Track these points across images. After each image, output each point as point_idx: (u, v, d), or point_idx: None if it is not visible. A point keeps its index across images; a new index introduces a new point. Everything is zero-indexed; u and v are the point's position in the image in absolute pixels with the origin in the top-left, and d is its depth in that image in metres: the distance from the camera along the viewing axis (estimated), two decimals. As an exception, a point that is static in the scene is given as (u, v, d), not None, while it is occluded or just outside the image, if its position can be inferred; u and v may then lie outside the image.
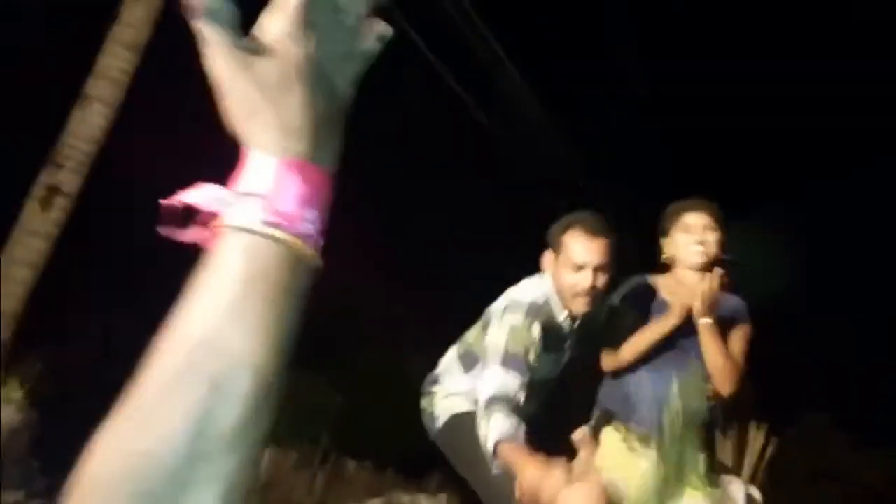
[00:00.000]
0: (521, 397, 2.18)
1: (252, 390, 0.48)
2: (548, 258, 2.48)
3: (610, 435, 2.49)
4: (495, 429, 2.06)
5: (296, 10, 0.53)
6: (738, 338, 2.52)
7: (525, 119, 7.78)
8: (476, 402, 2.31)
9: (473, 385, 2.44)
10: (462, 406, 2.54)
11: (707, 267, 2.54)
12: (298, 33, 0.54)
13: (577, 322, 2.53)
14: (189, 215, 0.52)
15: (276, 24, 0.54)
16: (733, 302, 2.60)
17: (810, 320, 20.69)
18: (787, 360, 18.11)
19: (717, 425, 2.48)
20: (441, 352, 2.85)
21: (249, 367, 0.48)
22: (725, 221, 2.61)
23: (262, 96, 0.52)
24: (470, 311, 2.74)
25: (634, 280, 2.68)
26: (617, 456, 2.41)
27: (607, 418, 2.52)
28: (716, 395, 2.43)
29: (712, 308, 2.41)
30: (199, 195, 0.52)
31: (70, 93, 5.90)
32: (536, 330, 2.32)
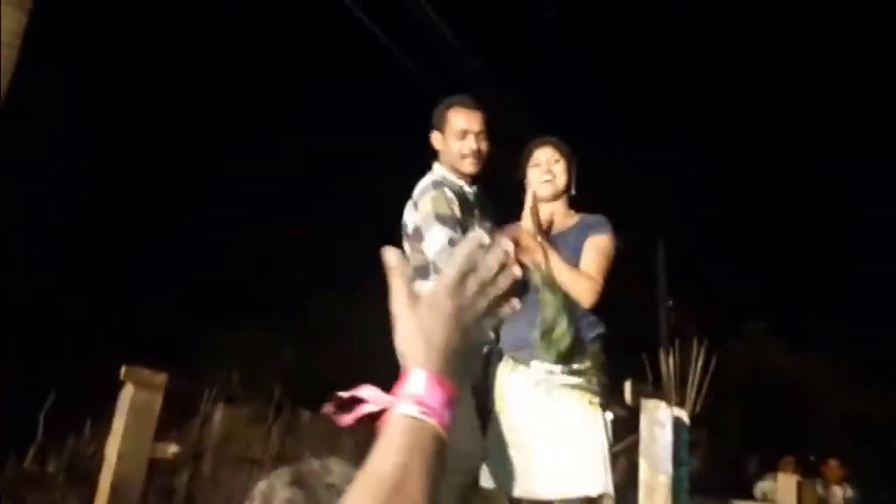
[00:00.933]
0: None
1: None
2: (436, 137, 2.79)
3: (500, 366, 2.62)
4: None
5: (454, 278, 0.83)
6: (590, 250, 2.57)
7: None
8: None
9: None
10: None
11: (557, 196, 2.67)
12: (454, 293, 0.83)
13: (476, 190, 2.80)
14: (351, 404, 0.82)
15: (440, 284, 0.83)
16: (591, 218, 2.70)
17: (740, 232, 21.28)
18: (725, 273, 18.63)
19: (590, 344, 2.48)
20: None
21: None
22: (570, 154, 2.76)
23: (420, 330, 0.81)
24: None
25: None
26: (504, 381, 2.56)
27: (499, 354, 2.62)
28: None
29: (539, 227, 2.50)
30: (370, 393, 0.81)
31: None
32: (449, 193, 2.63)
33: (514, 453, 2.45)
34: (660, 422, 2.72)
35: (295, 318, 14.35)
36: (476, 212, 2.76)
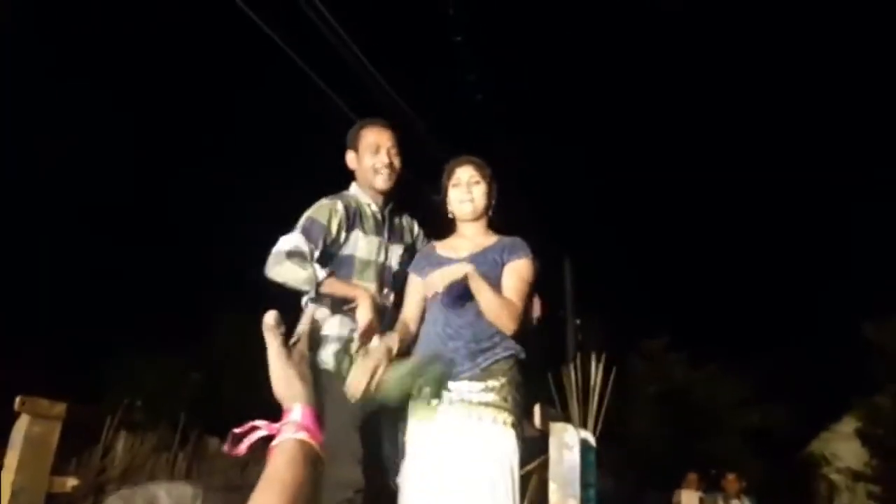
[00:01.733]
0: (312, 255, 2.59)
1: None
2: (350, 157, 2.88)
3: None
4: (316, 270, 2.53)
5: (304, 348, 1.19)
6: (510, 275, 2.59)
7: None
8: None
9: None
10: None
11: (476, 217, 2.71)
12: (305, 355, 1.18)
13: (389, 208, 2.88)
14: (246, 434, 1.06)
15: (299, 348, 1.17)
16: (508, 240, 2.72)
17: (640, 252, 21.95)
18: (626, 290, 19.15)
19: (504, 363, 2.52)
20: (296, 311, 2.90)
21: None
22: (490, 175, 2.77)
23: (297, 376, 1.11)
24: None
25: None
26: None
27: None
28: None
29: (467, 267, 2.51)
30: (262, 423, 1.06)
31: None
32: (340, 205, 2.71)
33: (425, 480, 2.45)
34: (567, 444, 2.78)
35: (201, 342, 14.01)
36: (385, 232, 2.82)
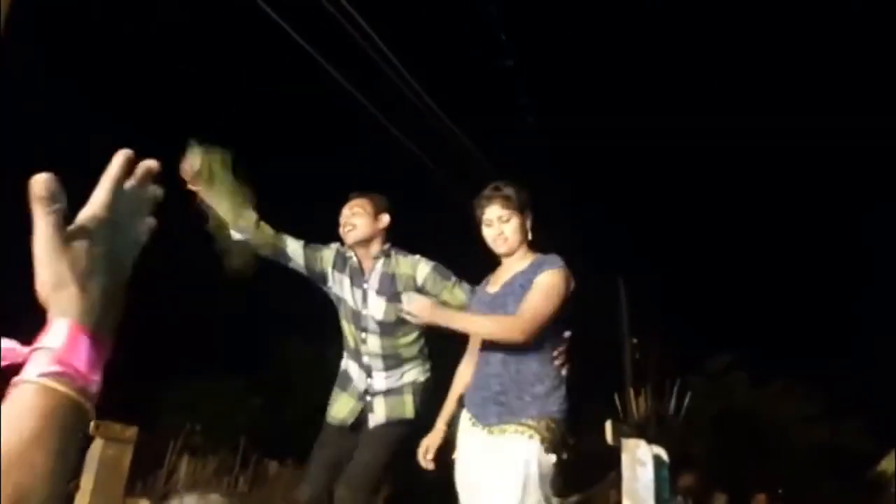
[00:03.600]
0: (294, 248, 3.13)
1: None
2: None
3: (462, 419, 2.72)
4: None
5: (101, 209, 0.71)
6: (531, 290, 2.56)
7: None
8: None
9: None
10: None
11: (511, 252, 2.71)
12: (104, 230, 0.71)
13: (380, 262, 3.12)
14: None
15: (87, 218, 0.71)
16: (541, 258, 2.68)
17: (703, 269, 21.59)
18: (686, 310, 18.84)
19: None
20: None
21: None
22: (521, 205, 2.72)
23: (72, 275, 0.67)
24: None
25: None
26: (461, 436, 2.69)
27: (461, 402, 2.74)
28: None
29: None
30: (6, 345, 0.64)
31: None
32: (329, 252, 3.17)
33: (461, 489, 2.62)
34: (640, 460, 2.72)
35: (261, 366, 14.17)
36: (363, 283, 3.13)
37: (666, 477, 2.95)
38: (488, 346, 2.61)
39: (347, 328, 3.15)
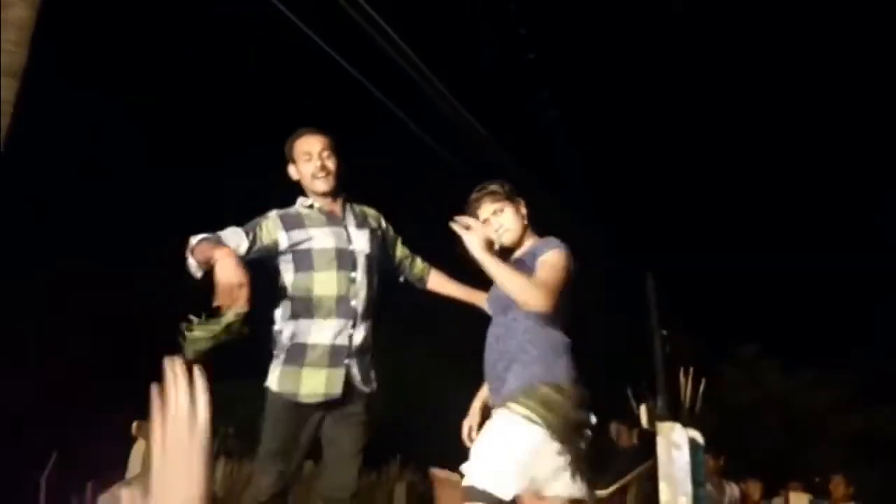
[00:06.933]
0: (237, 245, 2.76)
1: None
2: (291, 169, 3.05)
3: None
4: (195, 238, 2.71)
5: None
6: (537, 268, 2.59)
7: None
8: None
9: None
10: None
11: (517, 240, 2.77)
12: None
13: (343, 202, 3.03)
14: None
15: None
16: (542, 241, 2.74)
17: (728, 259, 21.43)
18: (715, 299, 18.73)
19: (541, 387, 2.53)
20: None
21: None
22: (509, 194, 2.79)
23: None
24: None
25: None
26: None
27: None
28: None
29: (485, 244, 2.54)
30: None
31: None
32: (272, 213, 2.94)
33: None
34: (676, 443, 2.75)
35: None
36: (340, 223, 2.97)
37: (702, 460, 2.97)
38: (491, 326, 2.72)
39: (328, 278, 2.86)
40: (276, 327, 2.93)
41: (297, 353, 2.82)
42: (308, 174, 2.96)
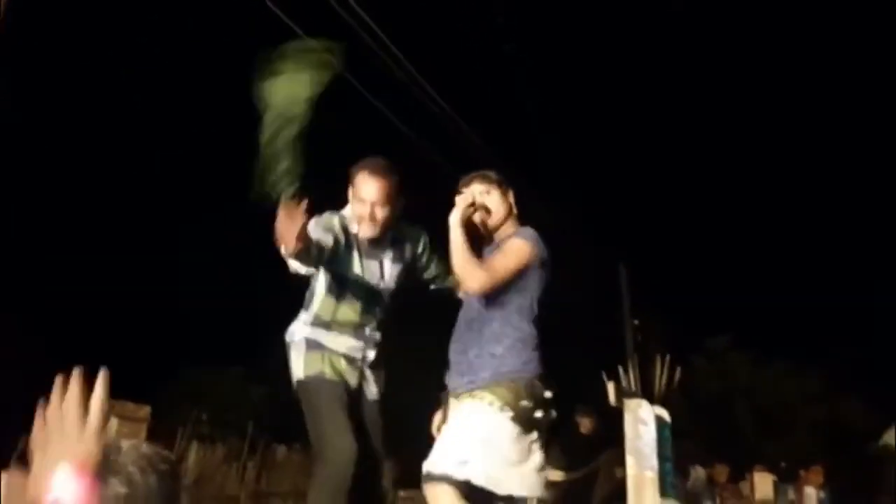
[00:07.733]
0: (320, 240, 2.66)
1: None
2: (350, 191, 2.91)
3: None
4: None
5: None
6: (503, 251, 2.63)
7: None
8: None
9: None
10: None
11: (501, 224, 2.76)
12: None
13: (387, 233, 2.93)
14: None
15: None
16: (517, 230, 2.74)
17: (701, 249, 21.65)
18: (687, 290, 18.92)
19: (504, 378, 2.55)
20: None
21: None
22: (499, 180, 2.81)
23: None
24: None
25: None
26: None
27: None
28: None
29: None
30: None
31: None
32: (336, 220, 2.83)
33: None
34: (643, 419, 2.80)
35: (266, 353, 14.24)
36: (376, 253, 2.91)
37: (668, 437, 3.02)
38: (462, 310, 2.73)
39: (351, 310, 2.86)
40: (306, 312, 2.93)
41: (313, 345, 2.86)
42: (356, 215, 2.86)
